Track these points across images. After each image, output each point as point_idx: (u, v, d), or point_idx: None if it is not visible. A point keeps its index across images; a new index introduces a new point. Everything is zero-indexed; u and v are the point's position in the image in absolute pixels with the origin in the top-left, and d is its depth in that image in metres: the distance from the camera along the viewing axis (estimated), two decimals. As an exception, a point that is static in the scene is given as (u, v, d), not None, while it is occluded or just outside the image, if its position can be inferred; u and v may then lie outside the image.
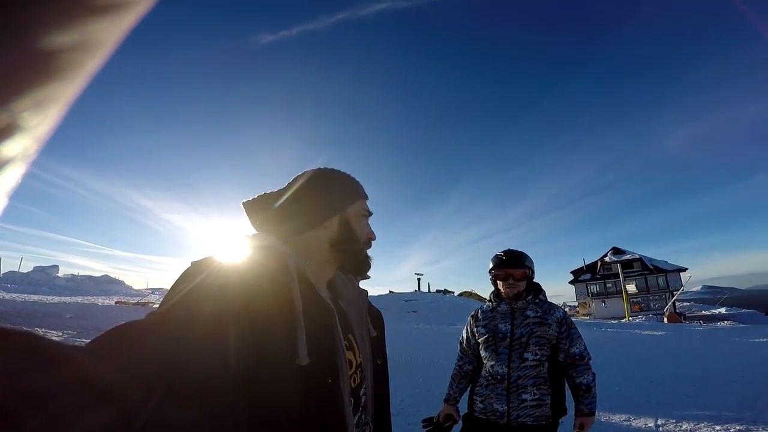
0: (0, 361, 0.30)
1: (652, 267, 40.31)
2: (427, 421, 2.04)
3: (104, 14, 0.21)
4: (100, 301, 18.03)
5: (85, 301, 16.30)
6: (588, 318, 36.63)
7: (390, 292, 32.53)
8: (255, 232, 0.81)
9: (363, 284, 0.93)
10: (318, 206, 0.80)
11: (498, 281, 2.02)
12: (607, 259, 42.97)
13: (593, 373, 1.90)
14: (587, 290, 43.89)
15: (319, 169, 0.86)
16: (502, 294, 2.00)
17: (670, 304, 33.05)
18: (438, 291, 37.05)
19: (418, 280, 37.37)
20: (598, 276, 43.29)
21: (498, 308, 2.01)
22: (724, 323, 25.17)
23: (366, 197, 0.89)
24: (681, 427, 4.21)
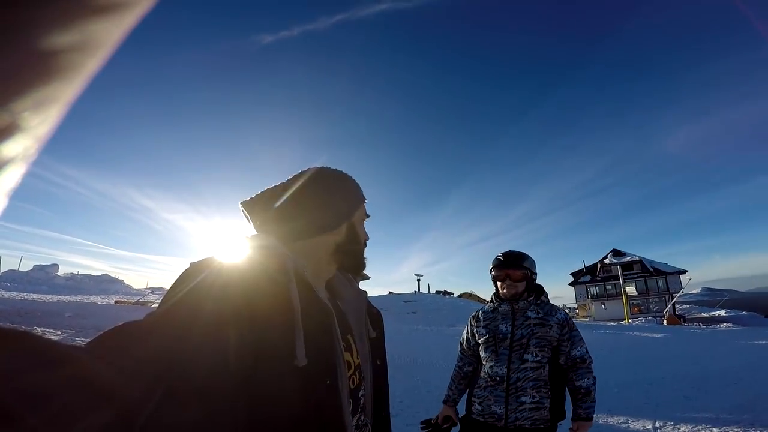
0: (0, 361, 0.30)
1: (652, 269, 40.23)
2: (426, 423, 2.03)
3: (104, 14, 0.21)
4: (99, 300, 18.01)
5: (85, 300, 16.28)
6: (587, 320, 36.54)
7: (390, 293, 32.49)
8: (254, 232, 0.80)
9: (362, 285, 0.94)
10: (328, 212, 0.80)
11: (498, 282, 2.02)
12: (607, 261, 42.90)
13: (594, 377, 1.89)
14: (587, 292, 43.81)
15: (323, 168, 0.86)
16: (502, 294, 2.01)
17: (669, 306, 32.97)
18: (438, 292, 37.03)
19: (418, 281, 37.35)
20: (597, 278, 43.21)
21: (499, 309, 2.01)
22: (724, 325, 25.11)
23: (365, 200, 0.89)
24: (679, 429, 4.20)
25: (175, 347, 0.50)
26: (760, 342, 12.20)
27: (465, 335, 2.15)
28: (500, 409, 1.83)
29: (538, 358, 1.84)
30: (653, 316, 33.06)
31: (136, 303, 17.94)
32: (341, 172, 0.87)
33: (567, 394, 1.92)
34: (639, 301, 39.80)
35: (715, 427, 4.16)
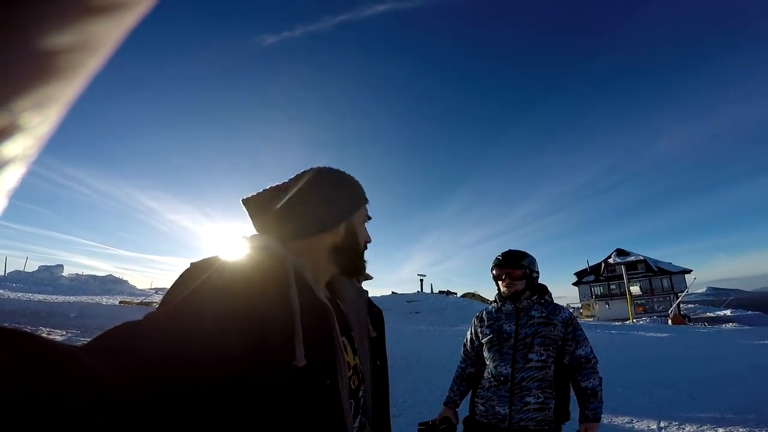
0: (0, 362, 0.30)
1: (656, 268, 40.03)
2: (424, 425, 1.99)
3: (104, 14, 0.21)
4: (104, 300, 18.11)
5: (90, 301, 16.38)
6: (591, 320, 36.40)
7: (393, 293, 32.45)
8: (254, 231, 0.80)
9: (365, 284, 0.93)
10: (326, 212, 0.80)
11: (498, 281, 2.03)
12: (611, 260, 42.71)
13: (600, 378, 1.86)
14: (591, 292, 43.65)
15: (324, 169, 0.85)
16: (502, 293, 2.01)
17: (674, 306, 32.78)
18: (441, 292, 36.91)
19: (421, 281, 37.27)
20: (601, 277, 43.03)
21: (503, 309, 2.00)
22: (729, 325, 24.95)
23: (367, 201, 0.88)
24: (684, 429, 4.18)
25: (176, 348, 0.50)
26: (766, 342, 12.11)
27: (468, 336, 2.14)
28: (504, 409, 1.81)
29: (542, 358, 1.83)
30: (658, 316, 32.89)
31: (141, 303, 18.04)
32: (342, 172, 0.87)
33: (572, 395, 1.89)
34: (643, 301, 39.60)
35: (720, 427, 4.14)
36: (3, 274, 27.97)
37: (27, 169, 0.23)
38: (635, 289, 38.87)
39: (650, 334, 15.52)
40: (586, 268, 45.64)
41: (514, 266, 1.98)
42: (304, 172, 0.83)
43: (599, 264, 44.30)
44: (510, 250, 2.05)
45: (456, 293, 38.09)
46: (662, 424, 4.35)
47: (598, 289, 43.22)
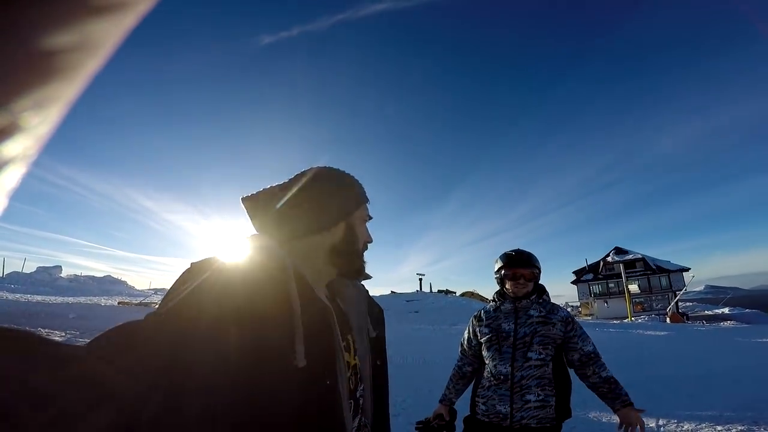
0: (0, 362, 0.30)
1: (654, 267, 40.13)
2: (421, 423, 2.01)
3: (104, 14, 0.21)
4: (102, 301, 18.06)
5: (88, 302, 16.34)
6: (590, 318, 36.47)
7: (392, 292, 32.46)
8: (254, 231, 0.80)
9: (364, 284, 0.92)
10: (324, 211, 0.79)
11: (506, 280, 2.00)
12: (609, 258, 42.79)
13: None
14: (589, 290, 43.72)
15: (324, 169, 0.85)
16: (510, 293, 1.98)
17: (672, 304, 32.90)
18: (440, 291, 36.93)
19: (420, 280, 37.30)
20: (600, 276, 43.10)
21: (501, 308, 2.00)
22: (727, 323, 25.01)
23: (368, 201, 0.88)
24: (682, 427, 4.19)
25: (176, 348, 0.50)
26: (764, 340, 12.16)
27: (466, 335, 2.14)
28: (505, 408, 1.81)
29: (542, 356, 1.84)
30: (656, 314, 32.98)
31: (140, 304, 18.01)
32: (342, 171, 0.86)
33: (572, 392, 1.91)
34: (642, 299, 39.69)
35: (718, 425, 4.15)
36: (1, 275, 27.87)
37: (27, 169, 0.23)
38: (634, 288, 38.96)
39: (649, 333, 15.56)
40: (585, 267, 45.72)
41: (527, 266, 1.97)
42: (304, 171, 0.83)
43: (598, 262, 44.38)
44: (521, 250, 2.04)
45: (455, 292, 38.10)
46: (660, 423, 4.36)
47: (596, 288, 43.30)
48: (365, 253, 0.86)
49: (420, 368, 7.22)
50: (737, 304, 44.70)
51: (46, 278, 28.80)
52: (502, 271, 2.01)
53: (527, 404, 1.79)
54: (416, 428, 1.98)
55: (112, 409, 0.37)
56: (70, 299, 16.98)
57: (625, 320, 28.04)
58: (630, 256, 41.57)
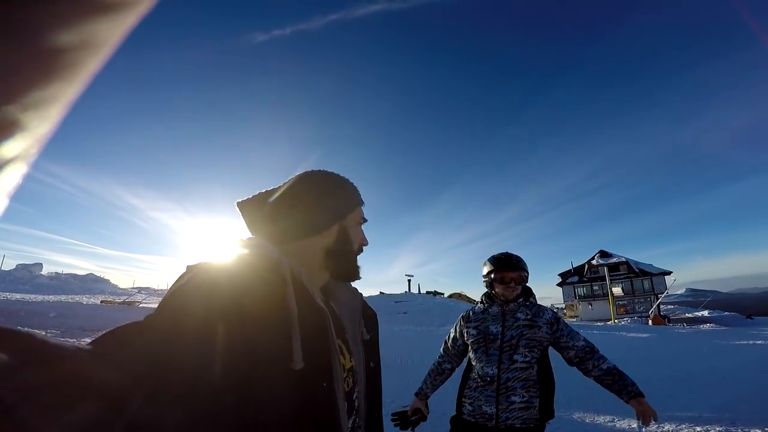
0: None
1: (637, 270, 40.89)
2: (397, 415, 2.04)
3: (106, 14, 0.21)
4: (84, 300, 17.69)
5: (70, 300, 15.97)
6: (575, 320, 37.00)
7: (381, 293, 32.52)
8: (249, 234, 0.81)
9: (354, 285, 0.93)
10: (318, 214, 0.80)
11: (495, 283, 2.02)
12: (594, 261, 43.47)
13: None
14: (574, 292, 44.36)
15: (318, 171, 0.85)
16: (499, 296, 2.01)
17: (654, 306, 33.53)
18: (428, 292, 37.13)
19: (409, 281, 37.45)
20: (585, 278, 43.77)
21: (489, 310, 2.03)
22: (707, 326, 25.65)
23: (362, 204, 0.88)
24: (663, 428, 4.29)
25: (161, 345, 0.51)
26: (741, 342, 12.51)
27: (452, 333, 2.17)
28: (491, 409, 1.85)
29: (527, 359, 1.87)
30: (639, 317, 33.58)
31: (123, 303, 17.67)
32: (336, 174, 0.87)
33: (555, 393, 1.94)
34: (625, 302, 40.40)
35: (698, 426, 4.25)
36: (-22, 272, 27.08)
37: (27, 169, 0.23)
38: (617, 290, 39.63)
39: (631, 335, 15.87)
40: (570, 269, 46.39)
41: (516, 269, 2.00)
42: (298, 174, 0.83)
43: (583, 265, 45.06)
44: (510, 254, 2.07)
45: (443, 294, 38.36)
46: (642, 423, 4.45)
47: (581, 290, 43.95)
48: (359, 256, 0.87)
49: (408, 369, 7.24)
50: (716, 307, 45.83)
51: (26, 276, 28.08)
52: (492, 275, 2.03)
53: (512, 405, 1.82)
54: (392, 419, 1.99)
55: (98, 401, 0.38)
56: (51, 298, 16.58)
57: (609, 322, 28.52)
58: (614, 260, 42.29)
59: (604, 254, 43.90)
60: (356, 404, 0.81)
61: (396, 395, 5.48)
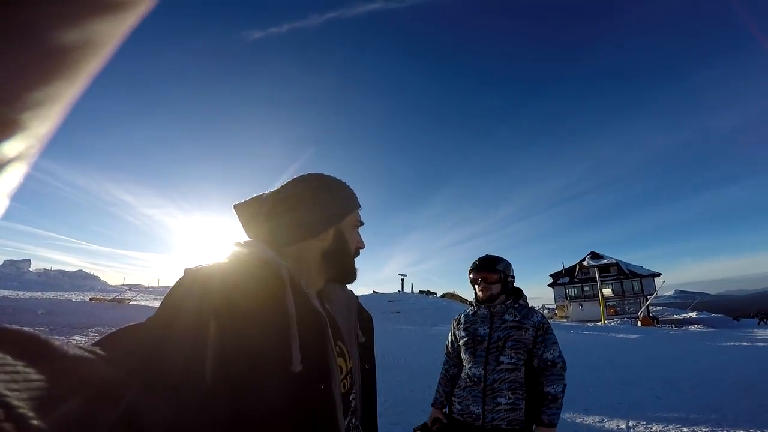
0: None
1: (627, 272, 41.38)
2: (420, 428, 2.05)
3: (107, 14, 0.21)
4: (73, 297, 17.47)
5: (58, 297, 15.77)
6: (565, 320, 37.35)
7: (374, 292, 32.56)
8: (246, 236, 0.81)
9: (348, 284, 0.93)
10: (315, 217, 0.80)
11: (474, 285, 2.09)
12: (585, 263, 43.92)
13: (564, 384, 1.91)
14: (565, 293, 44.78)
15: (315, 175, 0.86)
16: (478, 297, 2.07)
17: (644, 308, 33.93)
18: (421, 292, 37.23)
19: (402, 280, 37.49)
20: (576, 279, 44.21)
21: (478, 312, 2.07)
22: (695, 327, 26.08)
23: (359, 207, 0.89)
24: (651, 428, 4.35)
25: (155, 340, 0.52)
26: (728, 344, 12.71)
27: (449, 338, 2.22)
28: (478, 409, 1.88)
29: (513, 360, 1.89)
30: (628, 318, 34.01)
31: (113, 300, 17.45)
32: (333, 178, 0.87)
33: None
34: (615, 303, 40.87)
35: (684, 427, 4.32)
36: (-36, 267, 26.62)
37: (28, 169, 0.23)
38: (607, 292, 40.08)
39: (621, 336, 16.05)
40: (562, 270, 46.81)
41: (489, 270, 2.04)
42: (295, 177, 0.84)
43: (574, 266, 45.51)
44: (486, 255, 2.12)
45: (436, 293, 38.50)
46: (631, 424, 4.51)
47: (572, 291, 44.38)
48: (356, 259, 0.88)
49: (401, 368, 7.26)
50: (704, 309, 46.63)
51: (14, 272, 27.66)
52: (470, 276, 2.11)
53: (498, 406, 1.85)
54: None
55: (89, 393, 0.38)
56: (40, 294, 16.35)
57: (599, 323, 28.83)
58: (605, 261, 42.76)
59: (595, 256, 44.35)
60: (352, 405, 0.82)
61: (389, 395, 5.50)
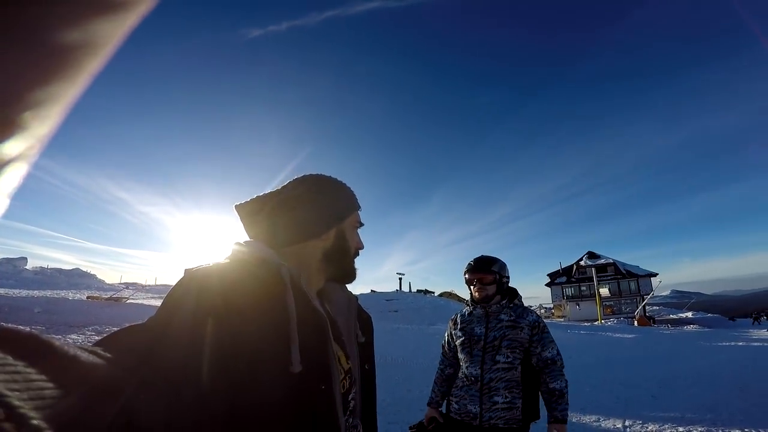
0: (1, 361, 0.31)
1: (624, 271, 41.53)
2: (414, 427, 2.07)
3: (107, 14, 0.21)
4: (70, 295, 17.37)
5: (55, 296, 15.67)
6: (562, 320, 37.47)
7: (372, 291, 32.54)
8: (247, 237, 0.81)
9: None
10: (316, 218, 0.80)
11: (470, 285, 2.11)
12: (582, 262, 44.06)
13: (566, 380, 1.94)
14: (563, 293, 44.92)
15: (316, 176, 0.86)
16: (473, 297, 2.09)
17: (640, 308, 34.09)
18: (419, 291, 37.25)
19: (400, 279, 37.54)
20: (573, 279, 44.34)
21: (474, 312, 2.09)
22: (690, 327, 26.23)
23: (359, 208, 0.89)
24: (647, 428, 4.37)
25: (153, 337, 0.53)
26: (723, 343, 12.79)
27: (446, 338, 2.23)
28: (475, 408, 1.90)
29: (509, 359, 1.91)
30: (625, 317, 34.15)
31: (110, 299, 17.37)
32: (334, 179, 0.88)
33: (540, 394, 1.97)
34: (612, 303, 41.03)
35: (680, 427, 4.34)
36: (-41, 265, 26.48)
37: (28, 169, 0.23)
38: (604, 291, 40.24)
39: (617, 335, 16.12)
40: (559, 270, 46.94)
41: (484, 271, 2.06)
42: (296, 178, 0.84)
43: (571, 266, 45.63)
44: (481, 256, 2.14)
45: (433, 292, 38.53)
46: (627, 423, 4.54)
47: (569, 291, 44.52)
48: (356, 260, 0.88)
49: (398, 367, 7.27)
50: (700, 309, 46.89)
51: (10, 270, 27.51)
52: (466, 277, 2.12)
53: (495, 405, 1.87)
54: (410, 431, 2.02)
55: (87, 389, 0.38)
56: (36, 293, 16.26)
57: (596, 323, 28.93)
58: (602, 261, 42.90)
59: (592, 255, 44.50)
60: (352, 405, 0.82)
61: (386, 394, 5.52)
